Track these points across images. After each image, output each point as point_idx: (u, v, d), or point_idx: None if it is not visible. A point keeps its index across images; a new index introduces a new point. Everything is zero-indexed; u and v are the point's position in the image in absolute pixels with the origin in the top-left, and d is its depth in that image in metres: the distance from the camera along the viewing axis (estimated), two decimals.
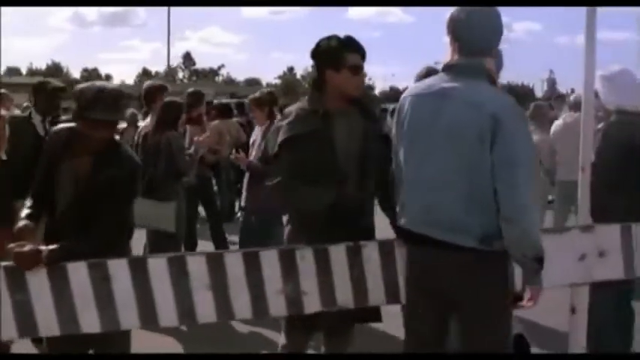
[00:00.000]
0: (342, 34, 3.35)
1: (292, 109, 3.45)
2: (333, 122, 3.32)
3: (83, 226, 3.07)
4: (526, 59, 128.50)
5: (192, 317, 3.12)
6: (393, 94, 54.37)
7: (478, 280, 2.78)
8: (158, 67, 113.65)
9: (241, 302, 3.15)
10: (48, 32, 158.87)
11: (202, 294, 3.10)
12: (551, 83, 75.97)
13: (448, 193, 2.74)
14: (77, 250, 2.99)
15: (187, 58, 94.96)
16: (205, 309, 3.11)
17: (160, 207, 5.43)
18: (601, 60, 3.65)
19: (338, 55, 3.28)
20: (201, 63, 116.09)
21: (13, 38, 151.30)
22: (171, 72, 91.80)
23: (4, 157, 4.33)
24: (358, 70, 3.31)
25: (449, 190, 2.74)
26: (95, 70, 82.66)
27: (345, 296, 3.28)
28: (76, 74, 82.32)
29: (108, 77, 78.21)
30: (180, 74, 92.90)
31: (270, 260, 3.18)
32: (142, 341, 3.82)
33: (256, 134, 6.48)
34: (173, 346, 5.10)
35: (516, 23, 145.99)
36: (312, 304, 3.23)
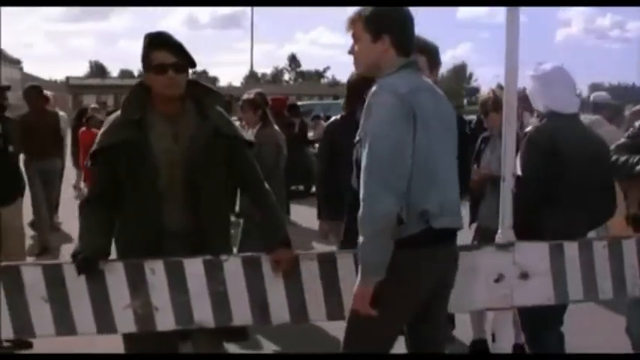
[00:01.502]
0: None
1: (112, 116, 3.10)
2: (151, 129, 2.97)
3: None
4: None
5: (29, 331, 2.97)
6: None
7: None
8: (267, 68, 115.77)
9: (83, 316, 2.97)
10: None
11: (39, 307, 2.95)
12: None
13: (455, 183, 2.86)
14: None
15: (293, 59, 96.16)
16: (42, 323, 2.96)
17: None
18: None
19: (145, 56, 2.96)
20: (310, 65, 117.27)
21: (128, 42, 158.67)
22: (278, 74, 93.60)
23: None
24: (163, 69, 2.92)
25: (455, 179, 2.86)
26: (204, 72, 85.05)
27: (203, 314, 3.06)
28: None
29: (215, 80, 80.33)
30: (287, 76, 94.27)
31: (114, 272, 2.98)
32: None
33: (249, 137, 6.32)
34: None
35: (631, 22, 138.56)
36: (166, 321, 3.03)
